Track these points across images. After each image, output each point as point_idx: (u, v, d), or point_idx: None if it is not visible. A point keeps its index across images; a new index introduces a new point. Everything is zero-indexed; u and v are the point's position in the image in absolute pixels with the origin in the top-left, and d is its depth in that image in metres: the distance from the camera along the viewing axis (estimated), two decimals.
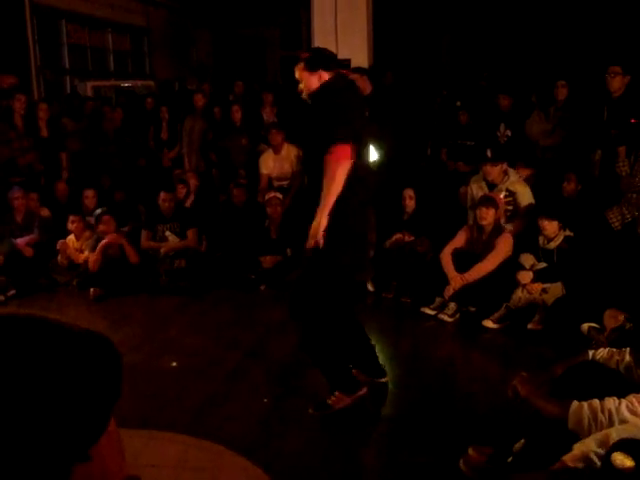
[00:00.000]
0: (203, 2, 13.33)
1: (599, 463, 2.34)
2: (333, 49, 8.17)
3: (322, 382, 3.87)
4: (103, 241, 6.53)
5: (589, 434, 2.52)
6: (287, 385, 4.23)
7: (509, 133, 7.03)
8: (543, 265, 5.41)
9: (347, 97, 3.58)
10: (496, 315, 5.38)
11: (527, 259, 5.49)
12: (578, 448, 2.44)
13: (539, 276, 5.32)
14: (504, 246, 5.54)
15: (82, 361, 0.75)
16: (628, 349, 3.08)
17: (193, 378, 4.45)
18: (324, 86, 3.55)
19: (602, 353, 3.15)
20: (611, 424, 2.51)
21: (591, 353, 3.18)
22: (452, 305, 5.57)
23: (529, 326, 5.25)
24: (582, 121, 6.48)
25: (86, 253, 6.69)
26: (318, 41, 8.33)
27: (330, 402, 3.79)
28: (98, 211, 6.79)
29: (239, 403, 4.05)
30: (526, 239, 5.65)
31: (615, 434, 2.41)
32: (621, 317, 4.26)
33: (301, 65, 3.62)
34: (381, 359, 4.76)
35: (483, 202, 5.66)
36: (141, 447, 3.33)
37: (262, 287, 6.51)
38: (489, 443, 3.17)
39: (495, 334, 5.28)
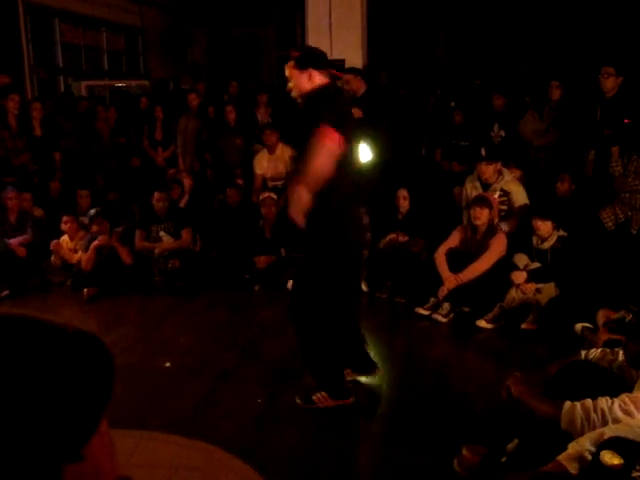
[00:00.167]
0: (198, 2, 13.31)
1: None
2: (327, 49, 8.18)
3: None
4: (95, 242, 6.51)
5: (582, 434, 2.53)
6: (281, 385, 4.23)
7: (503, 133, 7.05)
8: (537, 265, 5.42)
9: (336, 102, 3.60)
10: (490, 315, 5.38)
11: (521, 259, 5.51)
12: (573, 447, 2.45)
13: (533, 276, 5.33)
14: (498, 246, 5.55)
15: (74, 361, 0.75)
16: (622, 349, 3.09)
17: (187, 378, 4.44)
18: (317, 92, 3.56)
19: (595, 353, 3.16)
20: (604, 423, 2.52)
21: (584, 353, 3.19)
22: (446, 305, 5.58)
23: (523, 326, 5.26)
24: (576, 121, 6.50)
25: (80, 253, 6.67)
26: (312, 41, 8.33)
27: (314, 399, 3.83)
28: (92, 211, 6.77)
29: (233, 403, 4.04)
30: (520, 239, 5.67)
31: (609, 433, 2.42)
32: (614, 317, 4.27)
33: (291, 63, 3.64)
34: (375, 359, 4.77)
35: (477, 202, 5.67)
36: (134, 447, 3.32)
37: (256, 287, 6.50)
38: (483, 443, 3.18)
39: (489, 334, 5.29)
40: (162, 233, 6.82)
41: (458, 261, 5.57)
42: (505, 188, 6.01)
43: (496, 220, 5.80)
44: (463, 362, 4.80)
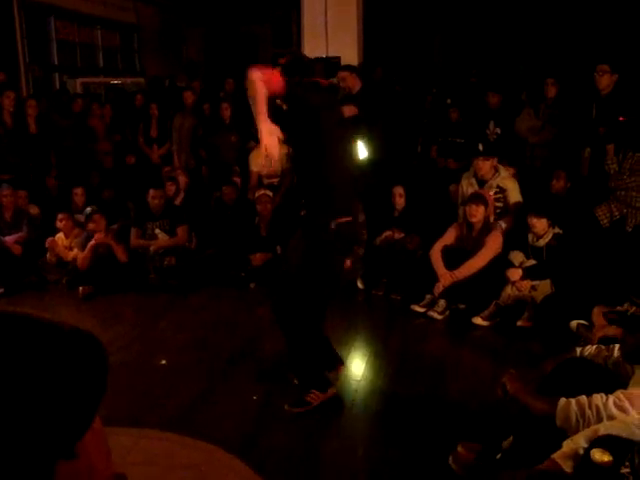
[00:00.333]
0: None
1: None
2: (323, 46, 8.24)
3: None
4: (92, 241, 6.50)
5: (577, 430, 2.54)
6: (277, 382, 4.23)
7: (498, 131, 7.06)
8: (532, 262, 5.43)
9: (317, 94, 3.58)
10: (485, 312, 5.39)
11: (516, 256, 5.52)
12: (567, 445, 2.45)
13: (528, 273, 5.34)
14: (494, 243, 5.56)
15: (68, 358, 0.75)
16: (617, 345, 3.10)
17: (183, 376, 4.44)
18: (302, 83, 3.58)
19: (590, 350, 3.17)
20: (599, 420, 2.52)
21: (579, 350, 3.20)
22: (442, 302, 5.59)
23: (518, 323, 5.27)
24: (571, 119, 6.51)
25: (75, 251, 6.66)
26: (308, 38, 8.34)
27: (309, 399, 3.83)
28: (88, 209, 6.76)
29: (229, 401, 4.04)
30: (515, 236, 5.68)
31: (603, 430, 2.42)
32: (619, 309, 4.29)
33: (277, 71, 3.63)
34: (371, 356, 4.78)
35: (473, 199, 5.68)
36: (130, 445, 3.33)
37: (252, 285, 6.50)
38: (478, 440, 3.19)
39: (484, 331, 5.30)
40: (157, 231, 6.81)
41: (454, 258, 5.57)
42: (501, 185, 6.02)
43: (492, 217, 5.81)
44: (459, 359, 4.81)
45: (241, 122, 8.18)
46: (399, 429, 3.67)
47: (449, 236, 5.76)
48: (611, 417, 2.52)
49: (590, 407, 2.56)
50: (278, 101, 3.56)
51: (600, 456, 2.26)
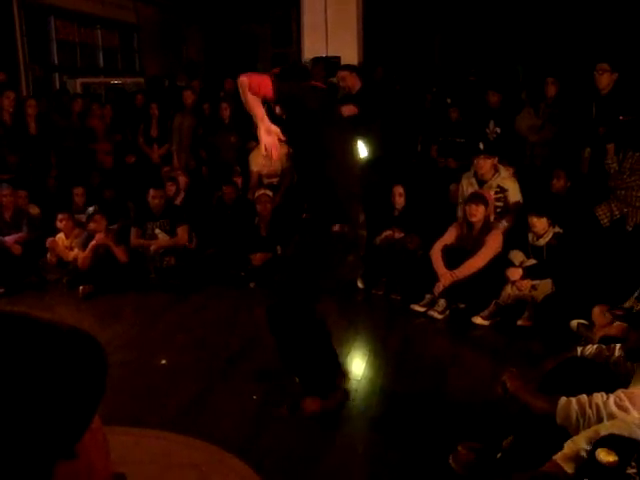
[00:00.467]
0: None
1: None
2: (323, 46, 8.24)
3: None
4: (92, 242, 6.50)
5: (577, 429, 2.54)
6: (277, 382, 4.22)
7: (498, 130, 7.05)
8: (532, 262, 5.43)
9: (314, 95, 3.56)
10: (486, 312, 5.39)
11: (516, 256, 5.51)
12: (568, 446, 2.45)
13: (528, 273, 5.34)
14: (494, 243, 5.56)
15: (66, 358, 0.75)
16: (618, 345, 3.10)
17: (183, 375, 4.44)
18: (299, 85, 3.55)
19: (591, 349, 3.17)
20: (599, 419, 2.52)
21: (580, 349, 3.20)
22: (442, 302, 5.59)
23: (519, 322, 5.27)
24: (571, 118, 6.50)
25: (75, 251, 6.66)
26: (308, 38, 8.34)
27: (304, 405, 3.76)
28: (90, 209, 6.76)
29: (229, 400, 4.04)
30: (515, 236, 5.67)
31: (604, 431, 2.42)
32: (609, 314, 4.28)
33: (267, 75, 3.62)
34: (371, 356, 4.78)
35: (473, 199, 5.68)
36: (130, 445, 3.33)
37: (252, 284, 6.50)
38: (479, 439, 3.18)
39: (485, 331, 5.30)
40: (158, 231, 6.81)
41: (454, 258, 5.57)
42: (502, 185, 6.02)
43: (492, 217, 5.81)
44: (459, 359, 4.81)
45: (241, 122, 8.18)
46: (399, 429, 3.67)
47: (449, 236, 5.76)
48: (612, 416, 2.52)
49: (590, 406, 2.56)
50: (278, 111, 3.56)
51: (606, 456, 2.26)
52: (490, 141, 6.92)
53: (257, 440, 3.55)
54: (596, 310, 4.60)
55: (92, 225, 6.60)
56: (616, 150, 5.78)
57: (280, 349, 3.75)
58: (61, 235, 6.82)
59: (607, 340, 3.61)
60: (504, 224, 5.83)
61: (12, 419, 0.69)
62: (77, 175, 7.85)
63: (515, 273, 5.35)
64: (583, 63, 6.98)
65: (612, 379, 2.85)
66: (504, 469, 2.82)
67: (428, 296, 5.68)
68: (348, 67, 6.93)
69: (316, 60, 8.05)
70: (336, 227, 3.52)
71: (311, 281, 3.59)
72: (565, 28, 10.08)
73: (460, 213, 6.03)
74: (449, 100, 8.02)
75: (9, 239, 6.64)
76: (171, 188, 7.43)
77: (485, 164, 6.00)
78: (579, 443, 2.43)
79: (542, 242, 5.41)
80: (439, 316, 5.55)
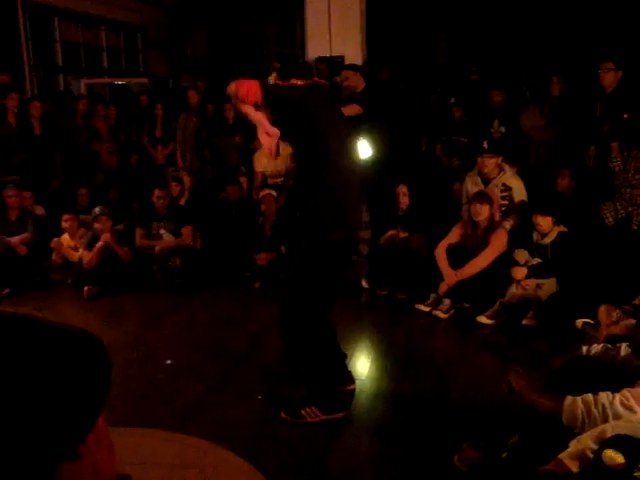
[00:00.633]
0: None
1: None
2: (326, 45, 8.23)
3: None
4: (99, 243, 6.50)
5: (583, 428, 2.53)
6: (282, 383, 4.22)
7: (503, 129, 7.04)
8: (537, 261, 5.43)
9: (309, 95, 3.51)
10: (490, 311, 5.38)
11: (521, 255, 5.50)
12: (574, 445, 2.44)
13: (533, 272, 5.33)
14: (498, 242, 5.55)
15: (70, 359, 0.75)
16: (624, 344, 3.09)
17: (187, 376, 4.44)
18: (297, 86, 3.51)
19: (597, 348, 3.16)
20: (604, 418, 2.51)
21: (585, 348, 3.19)
22: (447, 301, 5.58)
23: (523, 322, 5.26)
24: (576, 117, 6.49)
25: (80, 251, 6.67)
26: (312, 37, 8.33)
27: (303, 413, 3.71)
28: (97, 209, 6.77)
29: (234, 401, 4.04)
30: (520, 235, 5.66)
31: (611, 430, 2.41)
32: (614, 313, 4.27)
33: (274, 75, 3.59)
34: (375, 355, 4.78)
35: (477, 198, 5.67)
36: (135, 446, 3.33)
37: (257, 284, 6.51)
38: (484, 439, 3.18)
39: (489, 330, 5.29)
40: (162, 231, 6.82)
41: (458, 257, 5.57)
42: (507, 183, 6.01)
43: (497, 215, 5.80)
44: (464, 358, 4.80)
45: (245, 122, 8.16)
46: (404, 428, 3.66)
47: (454, 235, 5.75)
48: (617, 416, 2.51)
49: (596, 405, 2.55)
50: (266, 115, 3.55)
51: (612, 458, 2.24)
52: (495, 140, 6.91)
53: (261, 440, 3.55)
54: (601, 309, 4.58)
55: (97, 225, 6.61)
56: (621, 148, 5.77)
57: (288, 356, 3.71)
58: (66, 236, 6.83)
59: (613, 339, 3.60)
60: (509, 223, 5.82)
61: (15, 420, 0.70)
62: (82, 176, 7.87)
63: (520, 272, 5.34)
64: (587, 62, 6.96)
65: (618, 378, 2.84)
66: (509, 468, 2.82)
67: (433, 295, 5.68)
68: (352, 67, 6.92)
69: (320, 60, 8.04)
70: (336, 235, 3.47)
71: (320, 291, 3.55)
72: (569, 27, 10.05)
73: (464, 212, 6.02)
74: (453, 99, 8.01)
75: (14, 240, 6.66)
76: (176, 188, 7.44)
77: (489, 163, 5.99)
78: (585, 442, 2.42)
79: (547, 241, 5.40)
80: (444, 315, 5.54)
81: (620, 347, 3.09)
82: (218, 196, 7.60)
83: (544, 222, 5.38)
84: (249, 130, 8.03)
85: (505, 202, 5.99)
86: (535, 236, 5.49)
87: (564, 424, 2.60)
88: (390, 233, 6.27)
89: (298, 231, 3.69)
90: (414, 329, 5.42)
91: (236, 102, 3.38)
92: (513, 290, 5.37)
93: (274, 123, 3.42)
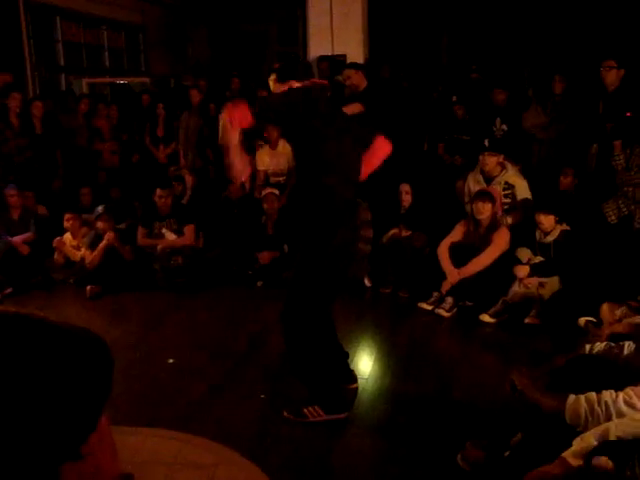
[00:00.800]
0: None
1: None
2: (329, 44, 8.23)
3: None
4: (103, 242, 6.50)
5: (586, 427, 2.53)
6: (284, 382, 4.22)
7: (505, 127, 7.03)
8: (540, 259, 5.42)
9: (304, 103, 3.43)
10: (493, 309, 5.38)
11: (524, 253, 5.50)
12: (578, 444, 2.44)
13: (536, 270, 5.32)
14: (501, 240, 5.54)
15: (72, 359, 0.75)
16: (627, 342, 3.09)
17: (190, 375, 4.44)
18: (294, 89, 3.46)
19: (600, 347, 3.16)
20: (608, 417, 2.51)
21: (589, 347, 3.18)
22: (449, 300, 5.58)
23: (526, 320, 5.25)
24: (578, 115, 6.49)
25: (83, 250, 6.68)
26: (314, 36, 8.33)
27: (306, 412, 3.71)
28: (99, 208, 6.77)
29: (237, 400, 4.04)
30: (523, 233, 5.66)
31: (614, 428, 2.41)
32: (618, 311, 4.26)
33: (273, 76, 3.57)
34: (378, 354, 4.77)
35: (480, 196, 5.66)
36: (138, 445, 3.33)
37: (259, 283, 6.51)
38: (487, 437, 3.17)
39: (492, 328, 5.29)
40: (164, 230, 6.82)
41: (461, 255, 5.56)
42: (509, 181, 6.00)
43: (499, 213, 5.79)
44: (466, 357, 4.80)
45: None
46: (406, 427, 3.66)
47: (456, 233, 5.75)
48: (620, 414, 2.51)
49: (599, 404, 2.55)
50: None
51: (601, 464, 2.25)
52: (497, 138, 6.91)
53: (264, 440, 3.55)
54: (604, 307, 4.58)
55: (100, 224, 6.61)
56: (623, 146, 5.76)
57: (290, 355, 3.71)
58: (68, 235, 6.83)
59: (616, 337, 3.59)
60: (508, 220, 5.81)
61: (18, 420, 0.69)
62: (83, 175, 7.88)
63: (522, 271, 5.33)
64: (590, 60, 6.95)
65: (621, 377, 2.84)
66: (513, 467, 2.81)
67: (435, 294, 5.68)
68: (354, 65, 6.92)
69: (322, 59, 8.04)
70: (337, 234, 3.45)
71: (320, 291, 3.53)
72: (572, 25, 10.05)
73: (467, 211, 6.02)
74: (455, 98, 8.00)
75: (17, 239, 6.67)
76: (178, 187, 7.44)
77: (490, 161, 5.99)
78: (589, 440, 2.42)
79: (549, 239, 5.40)
80: (446, 314, 5.54)
81: (623, 345, 3.08)
82: (220, 195, 7.60)
83: (547, 220, 5.37)
84: (252, 129, 8.05)
85: (507, 200, 5.99)
86: (538, 234, 5.48)
87: (567, 423, 2.60)
88: (392, 231, 6.27)
89: (299, 230, 3.68)
90: (417, 328, 5.41)
91: (223, 130, 3.36)
92: (516, 288, 5.36)
93: (275, 124, 3.43)
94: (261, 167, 7.48)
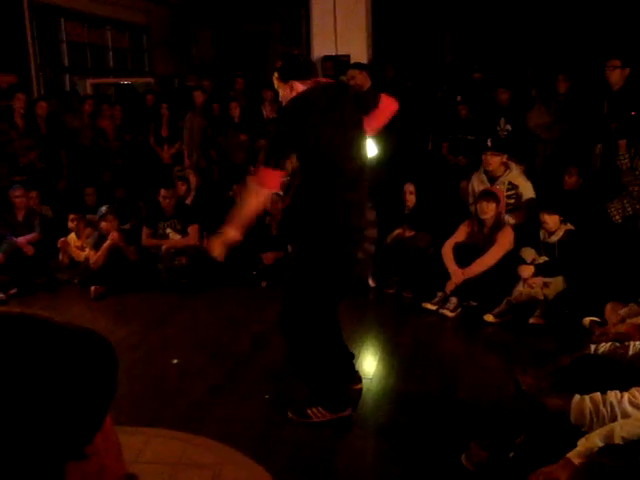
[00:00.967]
0: None
1: None
2: (332, 44, 8.23)
3: None
4: (107, 242, 6.51)
5: (591, 427, 2.52)
6: (287, 382, 4.21)
7: (509, 127, 7.03)
8: (544, 259, 5.41)
9: (310, 112, 3.34)
10: (497, 309, 5.37)
11: (528, 253, 5.49)
12: (582, 444, 2.43)
13: (540, 270, 5.31)
14: (505, 240, 5.53)
15: (77, 359, 0.75)
16: (632, 342, 3.08)
17: (194, 375, 4.44)
18: (294, 99, 3.39)
19: (605, 347, 3.15)
20: (613, 417, 2.50)
21: (593, 347, 3.18)
22: (453, 300, 5.57)
23: (530, 320, 5.24)
24: (582, 114, 6.47)
25: (87, 251, 6.69)
26: (317, 36, 8.33)
27: (309, 413, 3.69)
28: (104, 208, 6.78)
29: (240, 400, 4.04)
30: (527, 233, 5.65)
31: (619, 429, 2.40)
32: (622, 311, 4.25)
33: (276, 75, 3.52)
34: (382, 354, 4.77)
35: (484, 196, 5.65)
36: (141, 445, 3.33)
37: (263, 283, 6.51)
38: (491, 438, 3.17)
39: (496, 329, 5.28)
40: (169, 230, 6.83)
41: (465, 255, 5.56)
42: (513, 181, 6.00)
43: (503, 213, 5.79)
44: (470, 357, 4.79)
45: (250, 121, 8.19)
46: (411, 427, 3.66)
47: (460, 233, 5.74)
48: (625, 414, 2.50)
49: (604, 404, 2.54)
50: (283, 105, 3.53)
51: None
52: (501, 138, 6.90)
53: (268, 439, 3.55)
54: (608, 307, 4.57)
55: (104, 225, 6.62)
56: (628, 146, 5.75)
57: (290, 356, 3.71)
58: (72, 235, 6.85)
59: (621, 338, 3.59)
60: (510, 221, 5.80)
61: (23, 420, 0.69)
62: (88, 175, 7.89)
63: (527, 270, 5.32)
64: (594, 59, 6.94)
65: (626, 377, 2.83)
66: (517, 467, 2.81)
67: (440, 294, 5.67)
68: (358, 65, 6.91)
69: (325, 58, 8.04)
70: (337, 240, 3.41)
71: (316, 292, 3.49)
72: (576, 24, 10.03)
73: (471, 211, 6.01)
74: (459, 98, 7.99)
75: (21, 240, 6.68)
76: (182, 188, 7.45)
77: (493, 160, 5.98)
78: (593, 441, 2.41)
79: (554, 239, 5.39)
80: (451, 314, 5.53)
81: (628, 346, 3.08)
82: (224, 195, 7.60)
83: (551, 220, 5.36)
84: (255, 129, 8.07)
85: (511, 201, 5.98)
86: (542, 234, 5.47)
87: (572, 423, 2.60)
88: (397, 232, 6.27)
89: (301, 231, 3.66)
90: (421, 328, 5.41)
91: (251, 195, 3.57)
92: (520, 288, 5.36)
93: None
94: None
